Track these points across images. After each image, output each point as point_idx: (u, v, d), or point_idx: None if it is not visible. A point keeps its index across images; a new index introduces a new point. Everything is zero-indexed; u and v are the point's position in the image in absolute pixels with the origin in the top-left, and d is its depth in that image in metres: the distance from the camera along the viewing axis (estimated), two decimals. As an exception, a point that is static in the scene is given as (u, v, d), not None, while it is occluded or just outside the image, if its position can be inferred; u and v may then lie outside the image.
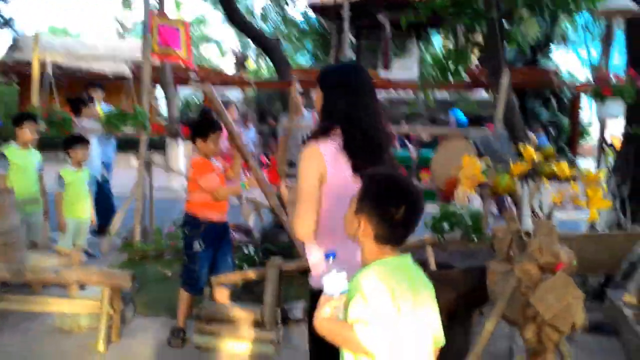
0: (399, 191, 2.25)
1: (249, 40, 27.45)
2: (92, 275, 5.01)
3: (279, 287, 4.87)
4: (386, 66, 23.39)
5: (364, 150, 2.72)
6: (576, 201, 3.77)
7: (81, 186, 6.75)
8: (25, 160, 6.49)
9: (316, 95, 2.88)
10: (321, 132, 2.75)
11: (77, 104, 7.86)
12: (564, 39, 22.75)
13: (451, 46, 11.49)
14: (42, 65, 8.68)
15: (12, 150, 6.45)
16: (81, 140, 6.78)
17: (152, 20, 8.53)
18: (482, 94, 23.62)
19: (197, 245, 4.90)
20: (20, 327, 5.32)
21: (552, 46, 24.32)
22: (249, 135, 14.56)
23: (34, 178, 6.58)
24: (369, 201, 2.24)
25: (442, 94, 23.12)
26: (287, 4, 30.92)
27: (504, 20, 8.36)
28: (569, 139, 22.53)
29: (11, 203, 5.63)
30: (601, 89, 6.06)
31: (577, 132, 23.07)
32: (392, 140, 3.04)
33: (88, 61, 20.64)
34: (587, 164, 25.11)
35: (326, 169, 2.67)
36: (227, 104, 10.54)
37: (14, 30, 25.49)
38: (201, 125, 5.14)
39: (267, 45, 21.82)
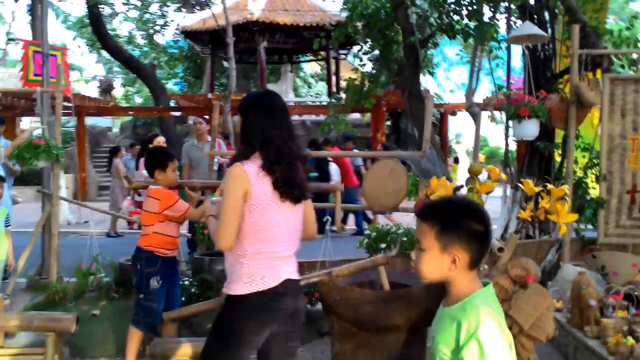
0: (471, 207, 2.19)
1: (118, 66, 26.92)
2: (33, 320, 4.67)
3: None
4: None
5: (279, 167, 3.03)
6: (547, 215, 3.88)
7: (-5, 226, 6.28)
8: None
9: (238, 120, 3.22)
10: (243, 155, 3.08)
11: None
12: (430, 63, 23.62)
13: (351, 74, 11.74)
14: None
15: None
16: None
17: (27, 49, 8.20)
18: (353, 116, 24.25)
19: (155, 282, 4.72)
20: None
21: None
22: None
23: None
24: (456, 228, 2.10)
25: (317, 117, 23.56)
26: (154, 29, 30.35)
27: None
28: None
29: None
30: (519, 110, 6.29)
31: (446, 148, 24.13)
32: (302, 154, 3.24)
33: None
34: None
35: (251, 186, 2.98)
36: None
37: None
38: (157, 155, 4.98)
39: (142, 71, 21.41)
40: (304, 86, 33.64)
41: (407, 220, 6.36)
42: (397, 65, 9.24)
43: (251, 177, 2.98)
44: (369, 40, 9.37)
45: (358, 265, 4.57)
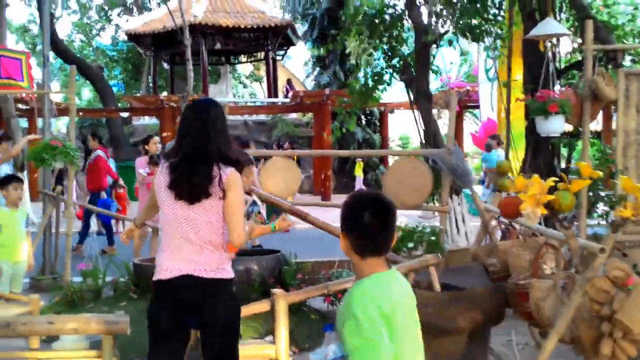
0: (365, 200, 2.44)
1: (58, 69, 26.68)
2: (90, 322, 4.50)
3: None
4: (205, 91, 23.75)
5: (181, 169, 3.32)
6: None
7: (16, 227, 6.47)
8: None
9: None
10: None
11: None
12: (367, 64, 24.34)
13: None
14: None
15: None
16: (15, 179, 6.60)
17: None
18: (292, 115, 24.76)
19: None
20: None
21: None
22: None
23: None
24: (342, 216, 2.41)
25: (259, 116, 24.00)
26: (92, 31, 30.21)
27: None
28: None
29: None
30: (547, 106, 6.32)
31: (387, 146, 24.97)
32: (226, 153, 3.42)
33: None
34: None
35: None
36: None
37: None
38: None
39: (89, 73, 21.45)
40: (238, 86, 33.93)
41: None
42: (402, 63, 9.63)
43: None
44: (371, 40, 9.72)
45: (407, 266, 4.60)
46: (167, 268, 3.36)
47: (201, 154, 3.32)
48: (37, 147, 7.28)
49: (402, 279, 2.48)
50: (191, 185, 3.28)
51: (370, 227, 2.32)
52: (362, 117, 24.40)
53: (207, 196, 3.29)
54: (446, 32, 9.75)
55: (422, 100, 9.17)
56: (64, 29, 35.80)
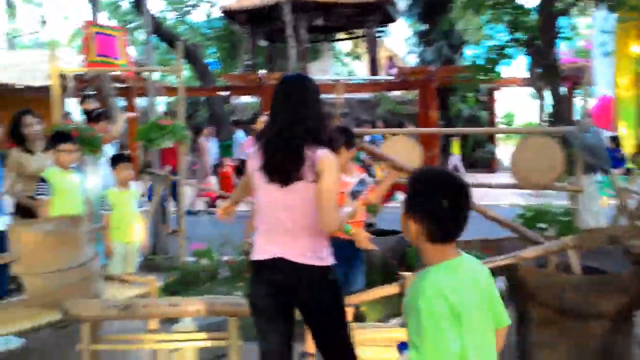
0: (439, 179, 2.24)
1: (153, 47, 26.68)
2: (214, 304, 4.52)
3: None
4: (305, 69, 23.24)
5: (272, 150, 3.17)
6: None
7: (128, 207, 6.18)
8: (67, 182, 5.86)
9: None
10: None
11: (98, 119, 7.25)
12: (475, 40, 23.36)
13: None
14: None
15: (52, 173, 5.81)
16: (123, 159, 6.23)
17: (88, 30, 8.08)
18: (395, 92, 24.05)
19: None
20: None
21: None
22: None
23: (78, 202, 5.95)
24: (409, 196, 2.25)
25: (362, 94, 23.36)
26: (186, 10, 30.15)
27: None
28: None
29: (85, 232, 5.08)
30: None
31: (494, 124, 23.93)
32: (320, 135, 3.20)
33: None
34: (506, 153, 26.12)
35: None
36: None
37: None
38: (347, 134, 4.59)
39: (187, 52, 21.24)
40: (337, 64, 33.39)
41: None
42: (527, 36, 8.84)
43: None
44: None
45: (545, 248, 4.38)
46: (263, 249, 3.27)
47: (292, 133, 3.15)
48: (144, 126, 6.89)
49: (476, 265, 2.32)
50: (282, 166, 3.14)
51: (446, 210, 2.17)
52: (469, 94, 23.47)
53: (299, 178, 3.13)
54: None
55: (550, 75, 8.35)
56: (157, 6, 35.80)
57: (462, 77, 11.37)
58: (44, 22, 31.69)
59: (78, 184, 5.96)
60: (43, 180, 5.72)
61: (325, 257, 3.26)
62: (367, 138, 11.94)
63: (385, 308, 5.51)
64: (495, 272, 5.41)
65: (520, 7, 8.62)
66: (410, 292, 2.21)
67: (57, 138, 5.87)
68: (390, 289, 4.31)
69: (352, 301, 4.68)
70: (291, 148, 3.13)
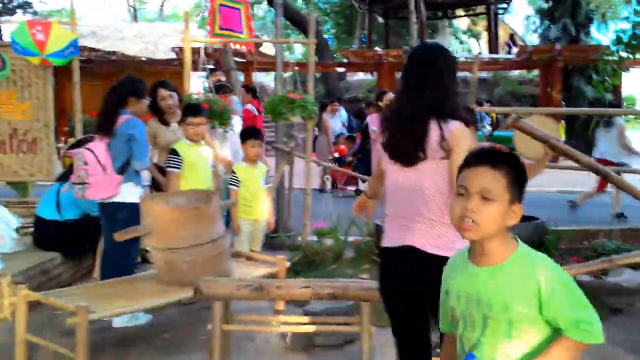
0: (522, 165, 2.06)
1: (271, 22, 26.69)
2: (347, 288, 4.27)
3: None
4: (423, 46, 22.77)
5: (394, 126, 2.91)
6: None
7: (256, 184, 6.00)
8: (197, 156, 5.73)
9: None
10: None
11: (223, 92, 7.20)
12: (604, 17, 22.21)
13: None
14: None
15: (183, 146, 5.70)
16: (254, 134, 6.06)
17: (212, 2, 7.89)
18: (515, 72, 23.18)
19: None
20: (248, 348, 4.68)
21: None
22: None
23: (208, 176, 5.82)
24: (524, 181, 2.04)
25: (480, 73, 22.61)
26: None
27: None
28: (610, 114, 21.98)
29: (218, 207, 4.94)
30: None
31: (622, 107, 22.66)
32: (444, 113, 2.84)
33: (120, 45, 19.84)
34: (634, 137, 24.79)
35: None
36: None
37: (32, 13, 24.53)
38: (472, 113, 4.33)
39: (305, 27, 21.18)
40: (455, 42, 32.59)
41: None
42: None
43: None
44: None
45: None
46: (391, 236, 2.97)
47: (418, 107, 2.84)
48: (273, 99, 6.71)
49: None
50: (403, 144, 2.86)
51: None
52: (593, 74, 22.29)
53: (424, 158, 2.82)
54: None
55: None
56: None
57: (606, 56, 10.42)
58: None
59: (208, 157, 5.83)
60: (174, 152, 5.62)
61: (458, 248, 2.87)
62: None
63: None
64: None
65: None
66: (544, 271, 1.93)
67: (187, 111, 5.76)
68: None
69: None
70: (415, 122, 2.84)
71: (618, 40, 8.99)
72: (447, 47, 3.10)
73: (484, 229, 1.96)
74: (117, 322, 4.99)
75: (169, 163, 5.62)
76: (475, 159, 2.02)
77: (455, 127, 2.81)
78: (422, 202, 2.86)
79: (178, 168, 5.59)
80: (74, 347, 3.82)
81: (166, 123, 6.16)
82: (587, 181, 9.81)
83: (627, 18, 9.81)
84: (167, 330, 5.03)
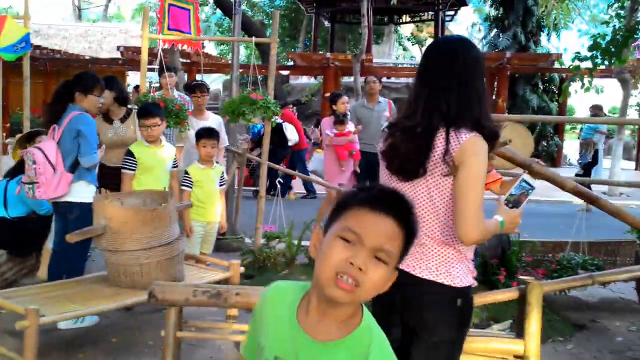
0: None
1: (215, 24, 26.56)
2: None
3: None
4: (368, 51, 22.84)
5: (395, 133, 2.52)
6: None
7: (210, 185, 5.87)
8: (152, 158, 5.59)
9: None
10: None
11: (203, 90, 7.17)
12: (555, 26, 22.61)
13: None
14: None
15: (138, 148, 5.57)
16: (207, 134, 5.94)
17: (162, 2, 7.80)
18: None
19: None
20: (200, 354, 4.58)
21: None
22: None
23: (164, 178, 5.68)
24: (410, 243, 1.65)
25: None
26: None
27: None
28: (555, 124, 22.45)
29: (174, 209, 4.81)
30: None
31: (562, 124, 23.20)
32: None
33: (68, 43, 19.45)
34: (571, 147, 25.35)
35: None
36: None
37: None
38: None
39: (249, 29, 21.06)
40: (399, 48, 32.87)
41: None
42: None
43: None
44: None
45: None
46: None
47: (429, 115, 2.43)
48: (233, 99, 6.60)
49: None
50: (403, 156, 2.47)
51: None
52: (540, 83, 22.77)
53: (422, 172, 2.44)
54: None
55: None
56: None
57: (575, 65, 9.76)
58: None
59: (166, 159, 5.69)
60: (129, 153, 5.51)
61: (457, 275, 2.48)
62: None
63: (481, 311, 5.08)
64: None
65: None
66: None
67: (139, 113, 5.64)
68: (509, 295, 3.85)
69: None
70: (419, 131, 2.44)
71: (595, 46, 8.75)
72: (468, 40, 2.63)
73: (362, 295, 1.52)
74: (63, 324, 4.83)
75: (124, 164, 5.52)
76: (381, 204, 1.55)
77: (467, 140, 2.38)
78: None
79: (132, 169, 5.49)
80: (21, 349, 3.67)
81: (110, 120, 6.00)
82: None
83: (607, 22, 9.69)
84: (115, 334, 4.88)
